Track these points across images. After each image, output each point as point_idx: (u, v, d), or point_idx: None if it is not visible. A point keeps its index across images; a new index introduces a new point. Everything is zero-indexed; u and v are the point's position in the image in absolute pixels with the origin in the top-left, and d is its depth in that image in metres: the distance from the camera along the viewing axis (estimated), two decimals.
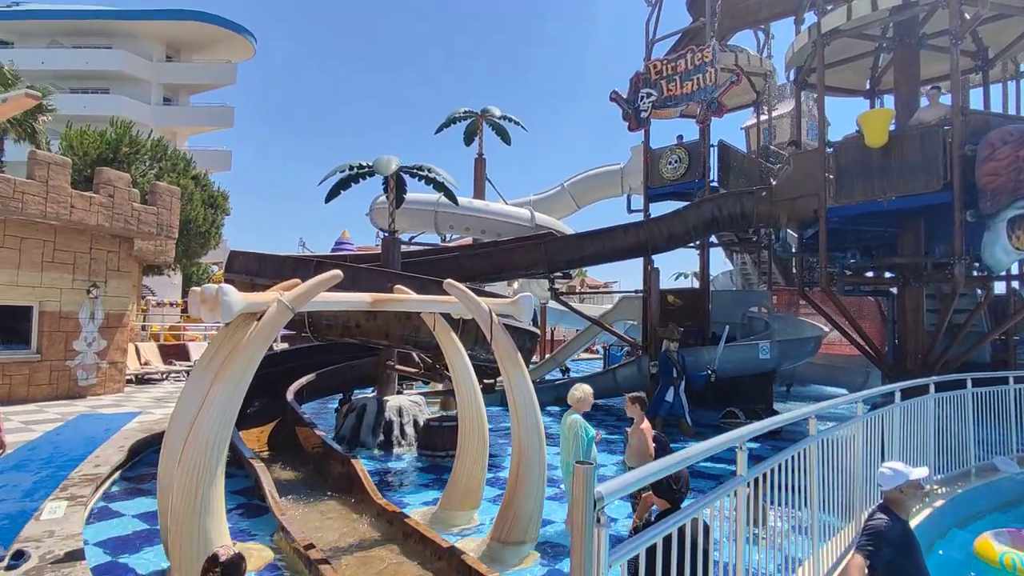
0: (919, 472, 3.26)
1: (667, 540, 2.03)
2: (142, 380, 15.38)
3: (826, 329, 13.85)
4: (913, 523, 5.26)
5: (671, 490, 3.12)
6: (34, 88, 14.54)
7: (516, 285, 19.68)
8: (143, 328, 21.30)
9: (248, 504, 6.57)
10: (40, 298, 11.94)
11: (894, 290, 12.25)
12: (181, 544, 3.83)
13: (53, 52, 33.82)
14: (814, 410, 3.69)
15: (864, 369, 15.39)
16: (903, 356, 10.61)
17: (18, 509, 5.25)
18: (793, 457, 3.36)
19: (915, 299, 10.56)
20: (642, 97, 14.02)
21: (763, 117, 17.85)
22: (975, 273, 10.42)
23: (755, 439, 10.23)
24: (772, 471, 3.02)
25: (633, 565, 2.02)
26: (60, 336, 12.28)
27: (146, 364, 16.18)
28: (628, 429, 6.14)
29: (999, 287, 11.53)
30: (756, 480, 2.86)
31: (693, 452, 2.27)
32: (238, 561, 2.99)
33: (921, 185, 9.08)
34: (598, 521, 1.55)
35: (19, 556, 4.19)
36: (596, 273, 43.55)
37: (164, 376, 16.08)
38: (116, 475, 7.18)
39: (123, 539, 5.46)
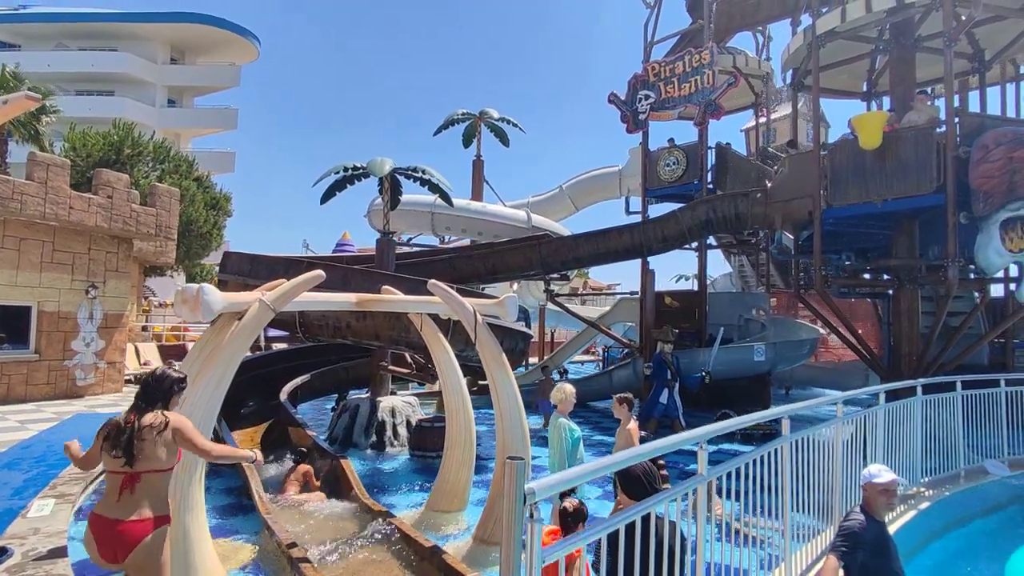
0: (884, 476, 3.25)
1: (624, 536, 2.03)
2: (141, 380, 15.47)
3: (823, 331, 13.80)
4: (898, 524, 5.26)
5: (648, 490, 2.71)
6: (36, 89, 14.69)
7: (516, 287, 19.68)
8: (144, 329, 21.42)
9: (238, 503, 6.61)
10: (39, 298, 12.05)
11: (891, 292, 12.19)
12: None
13: (59, 55, 34.11)
14: (787, 410, 3.69)
15: (864, 372, 15.30)
16: (897, 359, 10.57)
17: (5, 507, 5.30)
18: (762, 457, 3.36)
19: (910, 301, 10.51)
20: (640, 99, 14.03)
21: (762, 119, 17.84)
22: (971, 276, 10.38)
23: (746, 440, 10.02)
24: (737, 471, 3.01)
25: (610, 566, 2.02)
26: (58, 336, 12.37)
27: (146, 364, 16.27)
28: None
29: (998, 289, 11.47)
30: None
31: (647, 448, 2.28)
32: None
33: (915, 187, 9.05)
34: (531, 516, 1.56)
35: (2, 553, 4.24)
36: (599, 275, 43.61)
37: None
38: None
39: None
